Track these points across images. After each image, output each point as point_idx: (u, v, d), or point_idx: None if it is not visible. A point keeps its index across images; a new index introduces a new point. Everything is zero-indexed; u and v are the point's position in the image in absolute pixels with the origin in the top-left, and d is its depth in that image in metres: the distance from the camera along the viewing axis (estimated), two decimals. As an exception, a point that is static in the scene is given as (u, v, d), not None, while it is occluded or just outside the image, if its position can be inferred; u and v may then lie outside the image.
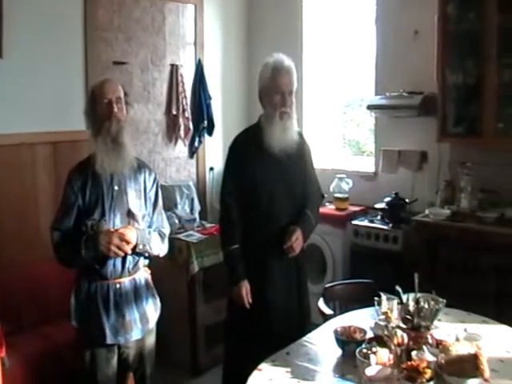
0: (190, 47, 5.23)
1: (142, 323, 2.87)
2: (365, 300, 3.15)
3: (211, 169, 5.41)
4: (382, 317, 2.60)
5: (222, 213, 3.15)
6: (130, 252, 2.75)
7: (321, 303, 3.22)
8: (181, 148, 5.19)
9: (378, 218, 4.58)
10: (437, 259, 3.96)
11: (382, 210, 4.54)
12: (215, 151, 5.46)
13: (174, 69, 5.04)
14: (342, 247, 4.64)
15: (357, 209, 4.86)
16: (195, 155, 5.31)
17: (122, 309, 2.80)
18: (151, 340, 3.00)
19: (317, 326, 2.94)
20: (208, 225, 4.52)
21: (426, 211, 4.20)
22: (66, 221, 2.77)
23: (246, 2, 5.78)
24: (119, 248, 2.69)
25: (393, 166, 4.76)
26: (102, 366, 2.80)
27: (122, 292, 2.81)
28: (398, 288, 2.57)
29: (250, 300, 3.00)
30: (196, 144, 5.22)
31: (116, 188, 2.79)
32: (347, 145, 6.00)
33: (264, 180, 3.02)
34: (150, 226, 2.93)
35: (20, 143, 3.96)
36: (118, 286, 2.80)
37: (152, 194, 2.96)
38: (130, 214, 2.81)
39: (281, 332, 2.93)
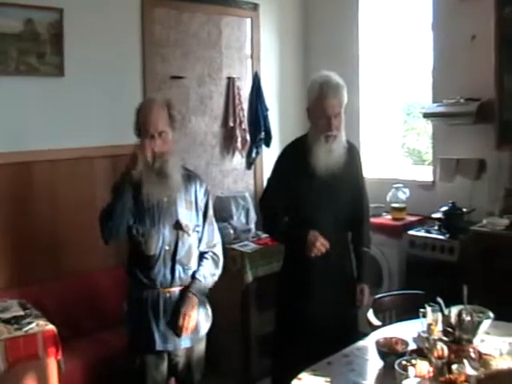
0: (246, 60, 5.31)
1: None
2: (415, 312, 3.14)
3: (269, 180, 5.45)
4: (426, 329, 2.58)
5: (263, 218, 3.25)
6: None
7: (370, 314, 3.21)
8: (238, 159, 5.27)
9: (435, 228, 4.49)
10: (494, 270, 3.86)
11: (438, 219, 4.46)
12: (273, 162, 5.47)
13: (231, 82, 5.13)
14: (398, 258, 4.58)
15: (414, 219, 4.79)
16: (253, 166, 5.38)
17: (171, 317, 2.86)
18: (201, 348, 3.05)
19: (365, 335, 2.94)
20: (263, 235, 4.55)
21: (484, 221, 4.11)
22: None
23: (302, 14, 5.82)
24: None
25: (450, 175, 4.67)
26: (152, 372, 2.88)
27: (172, 301, 2.87)
28: (439, 300, 2.54)
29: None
30: (253, 155, 5.29)
31: (165, 199, 2.86)
32: (408, 154, 5.93)
33: (308, 196, 3.03)
34: (200, 238, 2.99)
35: (80, 157, 4.14)
36: (168, 295, 2.87)
37: (203, 205, 3.00)
38: (178, 226, 2.88)
39: (324, 343, 2.92)
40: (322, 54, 5.60)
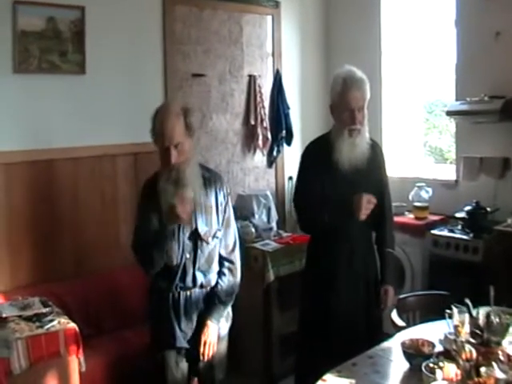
0: (267, 58, 5.28)
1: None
2: (440, 312, 3.09)
3: (290, 178, 5.42)
4: (452, 330, 2.54)
5: (299, 216, 3.20)
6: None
7: (394, 314, 3.17)
8: (259, 158, 5.25)
9: (459, 227, 4.43)
10: (520, 271, 3.81)
11: (462, 219, 4.40)
12: (294, 161, 5.46)
13: (252, 79, 5.11)
14: (420, 257, 4.52)
15: (436, 218, 4.73)
16: (274, 165, 5.36)
17: (191, 316, 2.86)
18: (222, 348, 3.02)
19: (389, 336, 2.91)
20: (285, 234, 4.51)
21: (509, 220, 4.05)
22: (144, 234, 2.83)
23: (323, 12, 5.78)
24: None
25: (474, 174, 4.61)
26: (172, 369, 2.86)
27: (193, 300, 2.87)
28: (467, 301, 2.50)
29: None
30: (275, 153, 5.27)
31: None
32: (430, 152, 5.86)
33: (332, 194, 2.99)
34: (219, 241, 2.95)
35: (102, 154, 4.15)
36: (188, 293, 2.86)
37: (223, 208, 2.94)
38: (196, 235, 2.82)
39: (347, 343, 2.91)
40: (343, 52, 5.56)
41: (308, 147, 3.21)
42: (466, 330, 2.50)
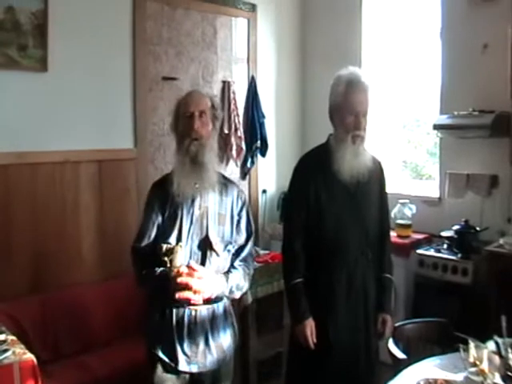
0: (242, 63, 5.00)
1: (218, 353, 2.58)
2: (437, 341, 2.85)
3: (264, 191, 5.15)
4: (473, 369, 2.26)
5: (284, 241, 2.86)
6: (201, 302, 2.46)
7: (391, 345, 2.88)
8: (233, 169, 4.94)
9: (445, 247, 4.21)
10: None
11: (449, 238, 4.16)
12: (268, 173, 5.20)
13: (226, 85, 4.81)
14: (404, 278, 4.23)
15: (420, 236, 4.49)
16: (247, 176, 5.05)
17: (195, 337, 2.52)
18: (228, 370, 2.71)
19: (383, 364, 2.68)
20: (262, 252, 4.18)
21: (501, 241, 3.84)
22: (145, 239, 2.56)
23: (300, 17, 5.56)
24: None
25: (460, 191, 4.38)
26: None
27: (198, 320, 2.53)
28: (496, 338, 2.23)
29: (315, 340, 2.70)
30: (248, 165, 4.99)
31: (197, 211, 2.52)
32: (405, 167, 5.66)
33: (331, 207, 2.73)
34: (238, 255, 2.63)
35: (64, 161, 3.80)
36: (193, 313, 2.51)
37: (240, 219, 2.63)
38: (207, 243, 2.51)
39: (347, 372, 2.67)
40: (320, 60, 5.35)
41: (301, 161, 2.91)
42: (485, 367, 2.24)
